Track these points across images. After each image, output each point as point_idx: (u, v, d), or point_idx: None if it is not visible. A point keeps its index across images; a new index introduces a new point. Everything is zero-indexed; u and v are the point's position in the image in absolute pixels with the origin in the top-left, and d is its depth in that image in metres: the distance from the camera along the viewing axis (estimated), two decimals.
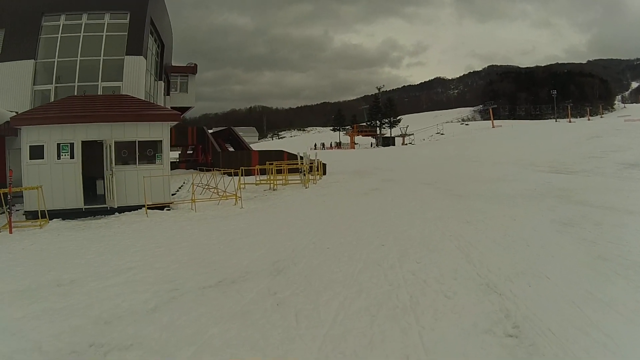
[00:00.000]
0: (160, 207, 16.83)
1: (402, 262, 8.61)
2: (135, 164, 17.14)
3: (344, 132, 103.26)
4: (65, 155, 16.38)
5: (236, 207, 17.21)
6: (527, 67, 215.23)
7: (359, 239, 10.78)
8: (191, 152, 45.44)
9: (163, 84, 28.90)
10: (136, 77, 21.74)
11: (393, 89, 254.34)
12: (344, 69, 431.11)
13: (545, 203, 14.73)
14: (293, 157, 29.82)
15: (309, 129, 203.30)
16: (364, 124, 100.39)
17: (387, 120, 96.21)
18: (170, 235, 12.59)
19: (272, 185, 23.38)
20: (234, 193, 18.21)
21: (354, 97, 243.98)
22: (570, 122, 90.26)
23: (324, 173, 29.69)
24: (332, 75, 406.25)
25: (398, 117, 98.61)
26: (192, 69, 38.21)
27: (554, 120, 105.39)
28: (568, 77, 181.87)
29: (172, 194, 20.19)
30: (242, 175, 23.57)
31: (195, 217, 15.47)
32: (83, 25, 21.68)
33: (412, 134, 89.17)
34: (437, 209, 14.55)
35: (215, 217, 15.42)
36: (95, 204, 16.79)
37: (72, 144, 16.41)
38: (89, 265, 9.26)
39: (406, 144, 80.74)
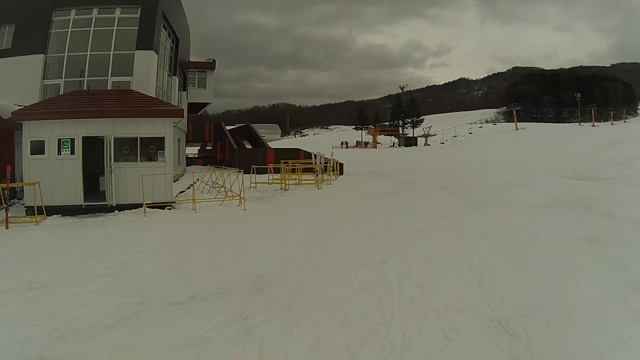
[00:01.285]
0: (162, 206, 15.97)
1: (402, 285, 7.27)
2: (137, 161, 16.25)
3: (366, 131, 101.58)
4: (65, 150, 15.63)
5: (239, 209, 16.21)
6: (551, 70, 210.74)
7: (359, 252, 9.45)
8: (210, 148, 44.52)
9: (178, 79, 28.00)
10: (146, 71, 20.85)
11: (417, 89, 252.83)
12: (367, 68, 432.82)
13: (571, 215, 13.22)
14: (310, 156, 28.55)
15: (332, 127, 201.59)
16: (387, 123, 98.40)
17: (409, 120, 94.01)
18: (159, 238, 11.56)
19: (283, 185, 22.18)
20: (239, 194, 17.10)
21: (377, 97, 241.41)
22: (594, 126, 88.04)
23: (341, 173, 28.48)
24: (356, 75, 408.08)
25: (421, 117, 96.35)
26: (210, 65, 37.56)
27: (578, 123, 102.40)
28: (592, 81, 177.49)
29: (182, 192, 19.46)
30: (253, 174, 22.81)
31: (192, 219, 14.49)
32: (94, 19, 20.93)
33: (435, 134, 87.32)
34: (453, 218, 13.20)
35: (213, 219, 14.43)
36: (96, 200, 16.04)
37: (72, 140, 15.66)
38: (66, 268, 8.57)
39: (429, 145, 78.74)
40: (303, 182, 23.56)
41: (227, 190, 18.36)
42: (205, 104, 39.88)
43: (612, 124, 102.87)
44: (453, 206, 15.41)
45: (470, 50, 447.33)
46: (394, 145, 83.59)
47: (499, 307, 6.20)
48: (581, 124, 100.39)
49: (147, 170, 15.92)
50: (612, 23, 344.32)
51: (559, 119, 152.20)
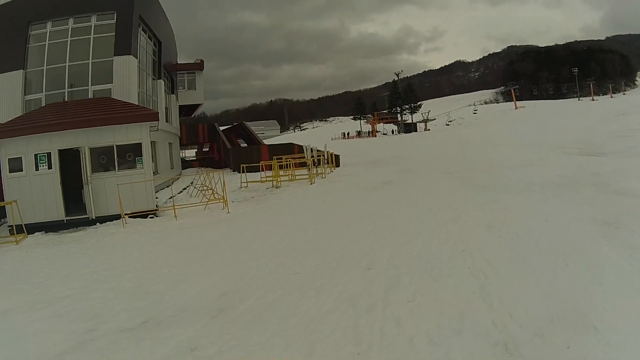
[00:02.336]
0: (144, 215, 15.07)
1: (387, 299, 5.95)
2: (115, 170, 15.48)
3: (365, 120, 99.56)
4: (43, 166, 15.02)
5: (224, 212, 15.19)
6: (546, 46, 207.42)
7: (343, 257, 8.12)
8: (207, 149, 43.34)
9: (163, 82, 26.86)
10: (126, 77, 19.96)
11: (414, 75, 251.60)
12: (362, 58, 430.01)
13: (582, 194, 11.81)
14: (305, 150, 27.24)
15: (331, 119, 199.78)
16: (385, 111, 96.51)
17: (407, 107, 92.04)
18: (130, 252, 10.59)
19: (274, 182, 21.01)
20: (222, 196, 16.02)
21: (375, 85, 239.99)
22: (593, 100, 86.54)
23: (337, 165, 27.21)
24: (351, 64, 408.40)
25: (419, 103, 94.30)
26: (198, 66, 36.80)
27: (577, 98, 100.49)
28: (588, 54, 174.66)
29: (171, 197, 18.23)
30: (244, 173, 21.78)
31: (172, 227, 13.48)
32: (70, 30, 20.05)
33: (434, 119, 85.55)
34: (454, 206, 11.82)
35: (194, 225, 13.45)
36: (78, 214, 15.21)
37: (49, 154, 15.02)
38: (31, 291, 7.94)
39: (429, 129, 77.04)
40: (297, 177, 22.30)
41: (213, 192, 17.44)
42: (197, 105, 39.12)
43: (612, 96, 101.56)
44: (454, 193, 14.07)
45: (463, 32, 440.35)
46: (393, 133, 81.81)
47: (507, 324, 4.87)
48: (580, 98, 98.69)
49: (126, 179, 15.13)
50: None
51: (558, 95, 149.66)
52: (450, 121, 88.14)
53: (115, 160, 15.45)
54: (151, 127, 16.36)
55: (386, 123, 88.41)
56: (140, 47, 22.08)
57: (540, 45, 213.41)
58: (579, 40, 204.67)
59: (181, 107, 36.50)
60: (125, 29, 20.21)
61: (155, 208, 15.58)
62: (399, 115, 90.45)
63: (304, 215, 13.39)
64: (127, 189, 14.84)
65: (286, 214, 14.06)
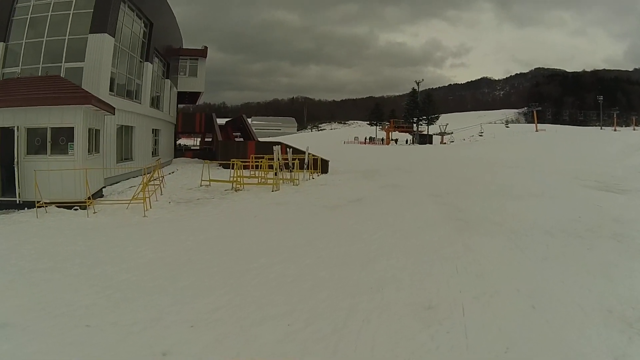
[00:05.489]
0: (70, 206, 13.46)
1: None
2: (47, 154, 13.83)
3: (380, 127, 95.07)
4: None
5: (145, 212, 13.55)
6: (573, 72, 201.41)
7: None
8: (210, 139, 41.07)
9: (151, 65, 24.74)
10: (99, 56, 18.17)
11: (439, 87, 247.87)
12: (389, 66, 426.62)
13: (597, 254, 8.52)
14: (298, 152, 24.48)
15: (350, 122, 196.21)
16: (402, 120, 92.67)
17: (424, 117, 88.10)
18: None
19: (234, 185, 18.48)
20: (143, 196, 14.06)
21: (399, 94, 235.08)
22: (615, 130, 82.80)
23: (325, 171, 24.67)
24: (377, 72, 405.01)
25: (436, 114, 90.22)
26: (201, 52, 35.61)
27: (599, 127, 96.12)
28: (615, 84, 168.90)
29: (132, 187, 17.09)
30: (226, 168, 21.33)
31: (77, 225, 11.74)
32: (52, 4, 18.52)
33: (452, 133, 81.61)
34: (401, 257, 8.44)
35: (101, 226, 11.82)
36: (11, 196, 13.72)
37: None
38: None
39: (445, 143, 73.27)
40: (269, 181, 19.63)
41: (156, 188, 16.23)
42: (198, 94, 37.88)
43: (635, 129, 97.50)
44: (423, 228, 10.92)
45: (489, 52, 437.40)
46: (406, 143, 78.00)
47: None
48: (602, 127, 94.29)
49: (57, 164, 13.56)
50: (626, 28, 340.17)
51: (580, 121, 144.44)
52: (481, 133, 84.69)
53: (48, 143, 13.79)
54: (93, 109, 14.78)
55: (401, 132, 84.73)
56: (123, 26, 20.42)
57: (567, 70, 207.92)
58: (607, 69, 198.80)
59: (183, 94, 35.41)
60: (104, 5, 18.46)
61: (85, 200, 13.51)
62: (414, 125, 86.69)
63: (211, 234, 10.95)
64: (57, 175, 13.41)
65: (195, 228, 11.63)
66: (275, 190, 18.15)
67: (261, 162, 20.96)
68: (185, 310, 6.02)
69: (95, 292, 6.68)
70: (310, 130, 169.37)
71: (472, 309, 5.97)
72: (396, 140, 79.69)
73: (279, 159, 20.61)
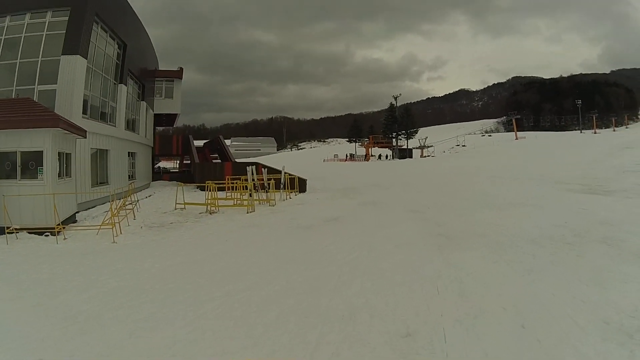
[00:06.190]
0: (40, 232, 13.24)
1: None
2: (17, 178, 13.71)
3: (359, 143, 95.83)
4: None
5: (116, 238, 13.26)
6: (551, 78, 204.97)
7: None
8: (189, 162, 40.75)
9: (125, 87, 24.36)
10: (72, 78, 17.88)
11: (417, 101, 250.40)
12: (366, 82, 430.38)
13: (587, 260, 8.09)
14: (274, 171, 24.18)
15: (329, 140, 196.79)
16: (380, 135, 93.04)
17: (403, 132, 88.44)
18: None
19: (208, 207, 18.15)
20: (112, 222, 13.73)
21: (377, 109, 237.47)
22: (595, 132, 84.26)
23: (303, 190, 24.38)
24: (355, 88, 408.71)
25: (415, 128, 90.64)
26: (177, 73, 35.17)
27: (579, 131, 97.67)
28: (593, 87, 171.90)
29: (105, 212, 16.33)
30: (206, 191, 20.03)
31: (38, 253, 11.35)
32: (25, 25, 18.35)
33: (432, 146, 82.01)
34: (376, 279, 7.85)
35: (67, 253, 11.43)
36: None
37: None
38: None
39: (425, 156, 73.49)
40: (245, 202, 19.23)
41: (128, 213, 16.19)
42: (174, 116, 37.23)
43: (614, 130, 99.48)
44: (402, 246, 10.35)
45: (465, 63, 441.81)
46: (386, 158, 78.22)
47: None
48: (582, 131, 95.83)
49: (27, 189, 13.51)
50: (599, 32, 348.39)
51: (559, 127, 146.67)
52: (458, 145, 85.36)
53: (18, 167, 13.69)
54: (64, 133, 14.68)
55: (381, 147, 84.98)
56: (96, 48, 20.13)
57: (545, 77, 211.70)
58: (584, 73, 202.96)
59: (160, 117, 35.05)
60: (76, 27, 18.20)
61: (55, 226, 13.23)
62: (394, 140, 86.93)
63: (179, 259, 10.48)
64: (28, 201, 13.31)
65: (167, 253, 11.18)
66: (251, 212, 17.84)
67: (237, 183, 20.75)
68: (140, 345, 5.61)
69: (51, 323, 6.31)
70: (290, 149, 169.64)
71: (454, 334, 5.42)
72: (380, 156, 79.78)
73: (253, 180, 20.43)
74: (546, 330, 5.39)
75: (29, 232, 13.07)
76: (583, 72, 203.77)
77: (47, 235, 13.14)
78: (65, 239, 12.93)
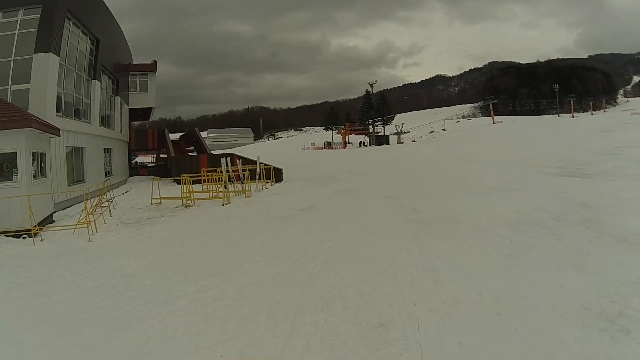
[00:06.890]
0: (18, 235, 13.00)
1: None
2: None
3: (336, 131, 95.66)
4: None
5: (92, 237, 12.98)
6: (528, 63, 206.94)
7: None
8: (165, 155, 40.22)
9: (99, 83, 23.88)
10: (44, 76, 17.52)
11: (393, 88, 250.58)
12: (343, 70, 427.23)
13: (567, 244, 8.07)
14: (250, 162, 24.17)
15: (306, 128, 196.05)
16: (357, 122, 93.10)
17: (380, 118, 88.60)
18: None
19: (184, 201, 17.89)
20: (86, 220, 13.39)
21: (354, 97, 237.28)
22: (573, 116, 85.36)
23: (279, 180, 24.26)
24: (331, 76, 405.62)
25: (391, 115, 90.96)
26: (151, 67, 34.73)
27: (557, 115, 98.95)
28: (570, 72, 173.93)
29: (82, 211, 15.76)
30: (180, 185, 19.83)
31: (15, 256, 11.11)
32: None
33: (408, 132, 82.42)
34: (360, 265, 7.85)
35: (42, 255, 11.11)
36: None
37: None
38: None
39: (402, 142, 73.86)
40: (220, 194, 18.96)
41: (103, 210, 16.05)
42: (149, 110, 36.89)
43: (592, 114, 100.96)
44: (377, 234, 10.26)
45: (442, 50, 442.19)
46: (362, 145, 78.42)
47: None
48: (560, 115, 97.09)
49: (2, 192, 13.18)
50: (576, 17, 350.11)
51: (537, 111, 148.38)
52: (432, 131, 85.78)
53: None
54: (37, 132, 14.40)
55: (358, 134, 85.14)
56: (69, 45, 19.65)
57: (521, 62, 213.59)
58: (561, 58, 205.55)
59: (135, 111, 34.61)
60: (48, 24, 17.68)
61: (29, 228, 12.97)
62: (370, 127, 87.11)
63: (153, 255, 10.33)
64: (3, 203, 13.05)
65: (142, 250, 10.99)
66: (226, 204, 17.67)
67: (212, 175, 20.57)
68: (115, 345, 5.56)
69: (29, 327, 6.26)
70: (267, 139, 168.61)
71: (428, 324, 5.29)
72: (361, 143, 79.95)
73: (228, 171, 20.20)
74: (524, 317, 5.28)
75: (7, 235, 12.86)
76: (560, 57, 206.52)
77: (25, 238, 12.98)
78: (42, 240, 12.71)
